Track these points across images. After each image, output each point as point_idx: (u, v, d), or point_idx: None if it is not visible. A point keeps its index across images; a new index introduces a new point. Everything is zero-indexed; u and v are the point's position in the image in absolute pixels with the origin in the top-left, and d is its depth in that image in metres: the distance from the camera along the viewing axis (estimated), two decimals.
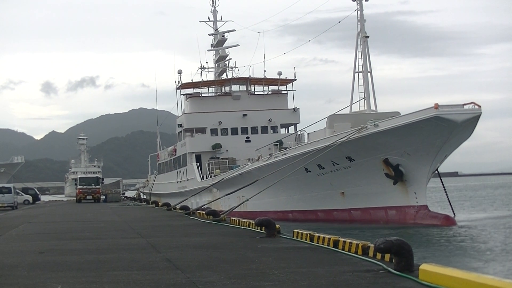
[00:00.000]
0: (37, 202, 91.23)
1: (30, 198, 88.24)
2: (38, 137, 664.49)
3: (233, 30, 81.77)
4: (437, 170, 45.44)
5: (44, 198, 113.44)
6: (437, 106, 39.17)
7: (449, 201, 47.85)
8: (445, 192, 47.81)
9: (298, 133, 68.28)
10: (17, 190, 76.71)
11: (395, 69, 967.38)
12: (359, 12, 51.62)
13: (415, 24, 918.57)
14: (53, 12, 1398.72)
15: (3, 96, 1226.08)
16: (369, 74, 51.86)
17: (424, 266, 11.01)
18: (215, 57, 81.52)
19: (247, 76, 74.33)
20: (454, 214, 45.72)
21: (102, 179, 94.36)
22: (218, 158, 68.82)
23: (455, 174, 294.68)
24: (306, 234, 18.97)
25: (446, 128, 39.66)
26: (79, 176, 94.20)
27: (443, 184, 47.70)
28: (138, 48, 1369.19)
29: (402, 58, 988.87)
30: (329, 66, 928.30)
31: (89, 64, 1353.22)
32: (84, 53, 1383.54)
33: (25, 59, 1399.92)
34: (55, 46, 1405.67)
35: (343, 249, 15.93)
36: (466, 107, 40.27)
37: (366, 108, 51.52)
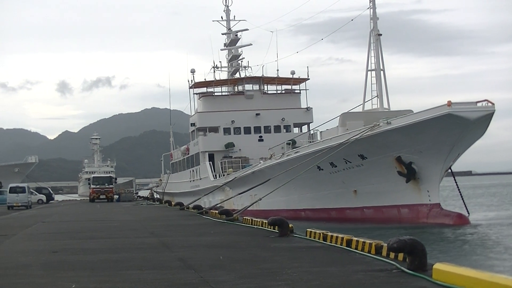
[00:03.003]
0: (50, 201, 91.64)
1: (44, 197, 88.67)
2: (51, 136, 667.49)
3: (246, 30, 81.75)
4: (450, 168, 45.25)
5: (57, 197, 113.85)
6: (450, 104, 38.99)
7: (463, 200, 47.61)
8: (459, 190, 47.57)
9: (311, 132, 68.28)
10: (31, 190, 77.00)
11: (409, 68, 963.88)
12: (371, 10, 51.58)
13: (429, 23, 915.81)
14: (70, 12, 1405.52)
15: (20, 96, 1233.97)
16: (381, 72, 51.79)
17: (437, 266, 10.96)
18: (228, 56, 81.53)
19: (260, 75, 74.25)
20: (468, 213, 45.45)
21: (115, 179, 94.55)
22: (231, 157, 68.77)
23: (469, 173, 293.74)
24: (319, 233, 18.92)
25: (459, 126, 39.47)
26: (92, 175, 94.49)
27: (456, 183, 47.46)
28: (153, 48, 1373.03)
29: (416, 57, 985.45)
30: (344, 65, 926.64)
31: (105, 64, 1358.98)
32: (100, 53, 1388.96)
33: (42, 59, 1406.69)
34: (72, 46, 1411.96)
35: (356, 249, 15.88)
36: (479, 104, 40.06)
37: (378, 106, 51.43)
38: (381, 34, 51.81)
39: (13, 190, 65.32)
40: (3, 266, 15.49)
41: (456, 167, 47.09)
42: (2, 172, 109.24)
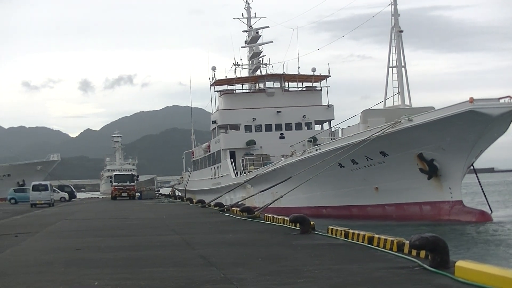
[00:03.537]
0: (73, 199, 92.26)
1: (66, 195, 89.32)
2: (73, 135, 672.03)
3: (267, 27, 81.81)
4: (472, 165, 44.99)
5: (79, 195, 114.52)
6: (472, 100, 38.76)
7: (486, 197, 47.32)
8: (481, 188, 47.31)
9: (332, 129, 68.17)
10: (54, 188, 77.62)
11: (430, 64, 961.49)
12: (393, 6, 51.43)
13: (450, 19, 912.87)
14: (92, 11, 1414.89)
15: (42, 94, 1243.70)
16: (403, 68, 51.61)
17: (460, 263, 10.90)
18: (249, 53, 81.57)
19: (281, 73, 74.29)
20: (491, 210, 45.17)
21: (137, 177, 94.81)
22: (252, 154, 68.85)
23: (491, 170, 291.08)
24: (341, 230, 18.88)
25: (481, 122, 39.24)
26: (114, 173, 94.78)
27: (479, 180, 47.19)
28: (175, 46, 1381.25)
29: (438, 53, 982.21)
30: (366, 62, 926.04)
31: (127, 62, 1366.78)
32: (122, 51, 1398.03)
33: (65, 58, 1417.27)
34: (94, 44, 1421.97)
35: (378, 246, 15.83)
36: (501, 101, 39.79)
37: (400, 103, 51.24)
38: (402, 31, 51.69)
39: (35, 188, 65.84)
40: (26, 263, 15.61)
41: (479, 164, 46.83)
42: (25, 170, 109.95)
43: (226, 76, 77.54)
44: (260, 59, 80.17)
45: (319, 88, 75.03)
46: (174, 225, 27.78)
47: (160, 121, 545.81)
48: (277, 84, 75.06)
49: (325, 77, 74.42)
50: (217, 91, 78.33)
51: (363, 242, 16.77)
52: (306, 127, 71.65)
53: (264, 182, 51.67)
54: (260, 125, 71.32)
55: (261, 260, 14.67)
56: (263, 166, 62.51)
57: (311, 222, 21.10)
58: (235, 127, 72.76)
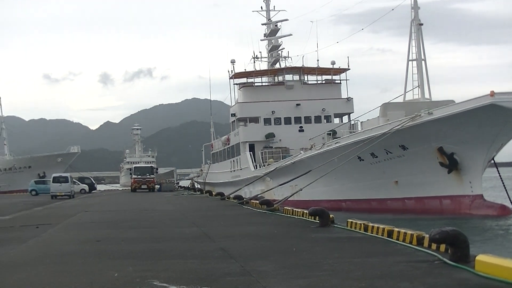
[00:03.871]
0: (93, 191, 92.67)
1: (86, 187, 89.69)
2: (93, 127, 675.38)
3: (286, 20, 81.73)
4: (493, 159, 44.73)
5: (99, 187, 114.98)
6: (493, 94, 38.48)
7: (506, 191, 47.00)
8: (502, 181, 46.98)
9: (352, 122, 68.02)
10: (74, 180, 78.01)
11: (452, 57, 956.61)
12: None
13: (472, 11, 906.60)
14: (112, 4, 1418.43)
15: (63, 87, 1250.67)
16: (423, 62, 51.36)
17: (480, 257, 10.84)
18: (268, 46, 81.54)
19: (300, 66, 74.18)
20: None
21: (157, 169, 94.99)
22: (272, 147, 68.88)
23: None
24: (360, 224, 18.85)
25: (502, 116, 38.98)
26: (134, 166, 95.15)
27: (499, 174, 46.86)
28: (194, 39, 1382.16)
29: (458, 46, 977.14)
30: (386, 55, 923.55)
31: (146, 55, 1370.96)
32: (142, 44, 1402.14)
33: (85, 51, 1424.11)
34: (114, 37, 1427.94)
35: (397, 239, 15.78)
36: None
37: (420, 97, 51.02)
38: (422, 24, 51.43)
39: (56, 180, 66.34)
40: (47, 254, 15.73)
41: (500, 157, 46.53)
42: (46, 162, 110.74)
43: (245, 69, 77.62)
44: (279, 52, 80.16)
45: (339, 81, 74.90)
46: (194, 218, 27.85)
47: (179, 113, 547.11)
48: (296, 77, 74.98)
49: (345, 70, 74.27)
50: (236, 84, 78.39)
51: (383, 236, 16.73)
52: (325, 120, 71.53)
53: (284, 175, 51.66)
54: (279, 118, 71.29)
55: (280, 252, 14.69)
56: (282, 159, 62.49)
57: (330, 215, 21.08)
58: (255, 120, 72.76)
